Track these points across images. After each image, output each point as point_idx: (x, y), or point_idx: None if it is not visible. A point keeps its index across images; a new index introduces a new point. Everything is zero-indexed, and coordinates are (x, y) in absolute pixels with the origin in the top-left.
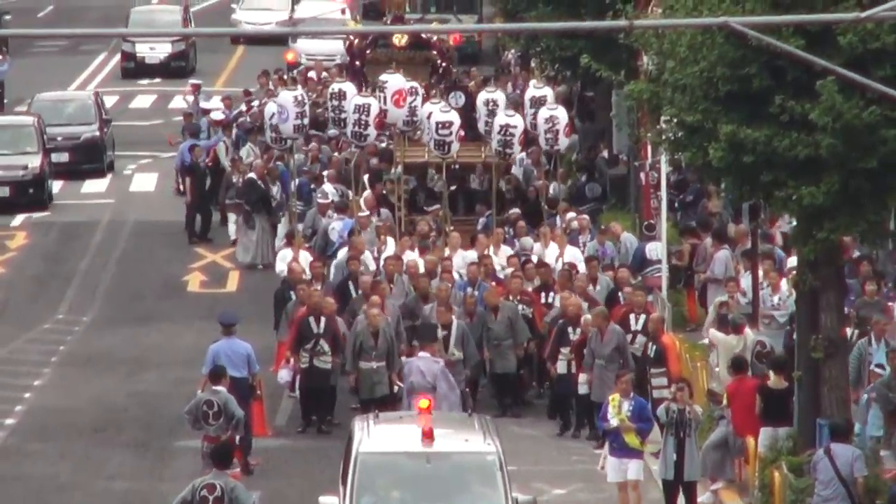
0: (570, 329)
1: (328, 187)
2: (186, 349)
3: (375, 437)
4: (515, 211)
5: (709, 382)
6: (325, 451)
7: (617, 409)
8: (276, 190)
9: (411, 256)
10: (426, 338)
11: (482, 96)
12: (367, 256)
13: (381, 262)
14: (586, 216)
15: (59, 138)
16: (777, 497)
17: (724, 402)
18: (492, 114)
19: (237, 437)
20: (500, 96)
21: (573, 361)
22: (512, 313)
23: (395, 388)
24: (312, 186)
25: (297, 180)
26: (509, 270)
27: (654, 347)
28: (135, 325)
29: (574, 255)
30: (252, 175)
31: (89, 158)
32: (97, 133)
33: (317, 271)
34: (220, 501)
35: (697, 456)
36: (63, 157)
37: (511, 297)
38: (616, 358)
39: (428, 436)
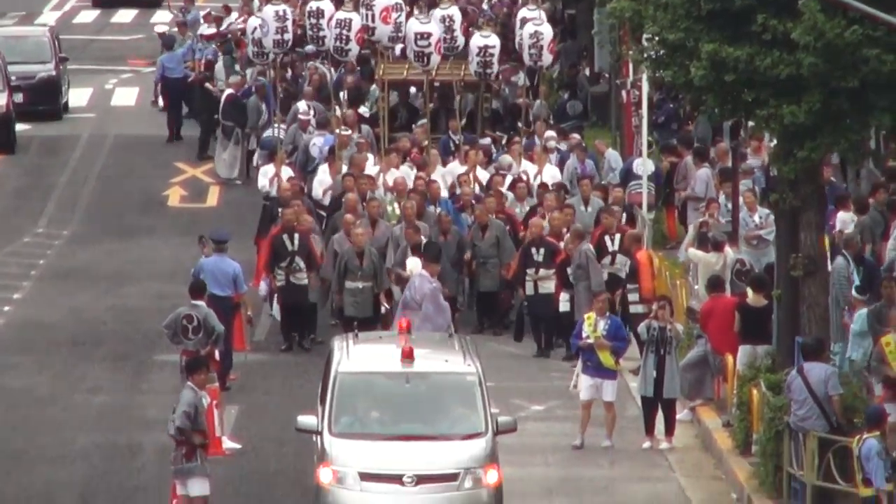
0: (534, 250)
1: (302, 105)
2: (166, 264)
3: (355, 356)
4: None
5: (688, 300)
6: (305, 368)
7: (592, 328)
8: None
9: (397, 174)
10: (427, 257)
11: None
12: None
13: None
14: (577, 134)
15: (14, 78)
16: (755, 415)
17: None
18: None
19: (216, 352)
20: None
21: (538, 283)
22: (500, 231)
23: (382, 308)
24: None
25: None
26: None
27: (629, 264)
28: (115, 239)
29: (553, 174)
30: (230, 91)
31: (45, 99)
32: (53, 73)
33: (295, 187)
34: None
35: (678, 374)
36: (18, 98)
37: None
38: (582, 276)
39: (407, 356)
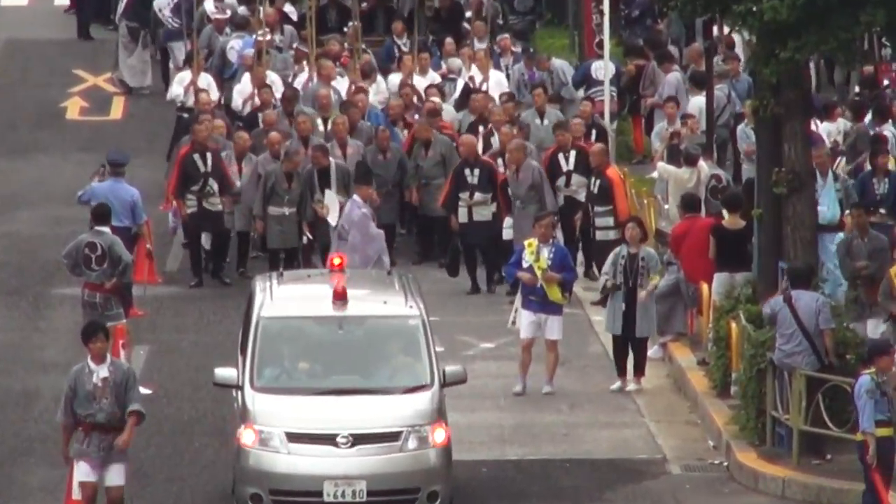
0: (468, 171)
1: (209, 3)
2: (65, 184)
3: (279, 299)
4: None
5: (658, 222)
6: (222, 302)
7: (535, 256)
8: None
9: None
10: (358, 179)
11: None
12: (276, 82)
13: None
14: (506, 35)
15: None
16: (734, 351)
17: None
18: None
19: (124, 285)
20: None
21: (473, 209)
22: (445, 149)
23: (304, 238)
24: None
25: None
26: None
27: (598, 182)
28: (6, 157)
29: (499, 80)
30: None
31: None
32: None
33: (202, 101)
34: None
35: (652, 308)
36: None
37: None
38: (533, 198)
39: (340, 297)
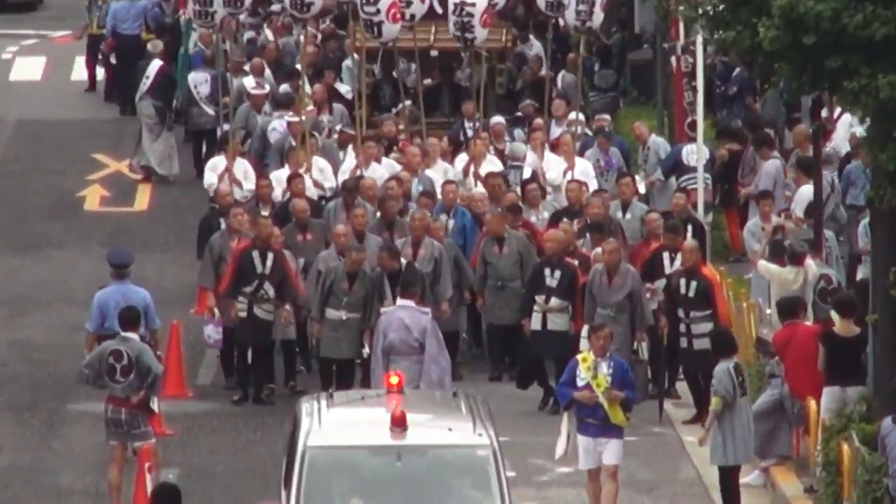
0: (547, 271)
1: (249, 80)
2: (83, 285)
3: (329, 425)
4: (499, 119)
5: (758, 329)
6: (263, 420)
7: (592, 373)
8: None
9: (378, 171)
10: (408, 283)
11: None
12: (327, 170)
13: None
14: (606, 116)
15: None
16: (846, 477)
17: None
18: None
19: (151, 399)
20: None
21: (548, 315)
22: (523, 247)
23: (364, 351)
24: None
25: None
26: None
27: (695, 284)
28: (17, 254)
29: (585, 170)
30: (159, 60)
31: None
32: None
33: (262, 191)
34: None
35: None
36: None
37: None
38: (627, 308)
39: (399, 423)
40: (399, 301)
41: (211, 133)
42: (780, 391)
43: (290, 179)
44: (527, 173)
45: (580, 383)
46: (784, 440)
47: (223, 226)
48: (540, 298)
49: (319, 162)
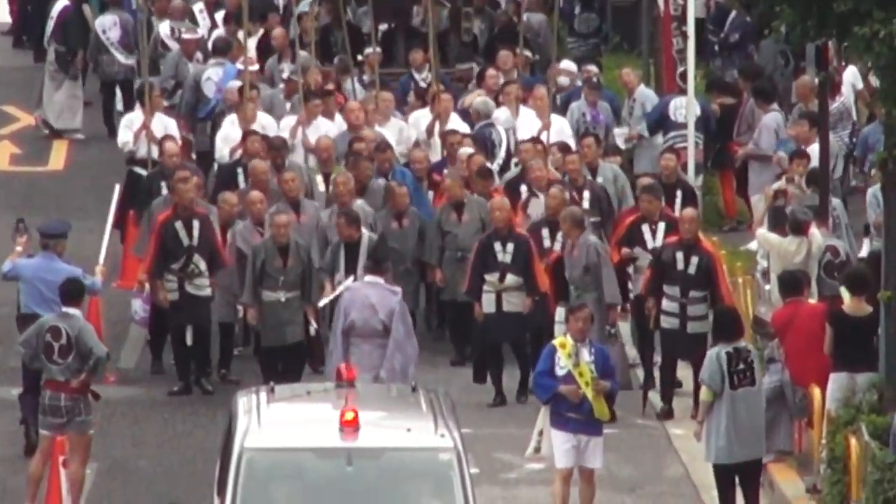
0: (498, 245)
1: (164, 26)
2: None
3: (269, 423)
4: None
5: (755, 307)
6: (194, 409)
7: (573, 360)
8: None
9: (325, 127)
10: (380, 258)
11: None
12: (270, 125)
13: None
14: (592, 66)
15: None
16: (854, 475)
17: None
18: None
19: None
20: None
21: (503, 295)
22: (485, 213)
23: (312, 329)
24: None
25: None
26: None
27: (696, 260)
28: None
29: (561, 128)
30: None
31: None
32: None
33: (185, 146)
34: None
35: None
36: None
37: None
38: (590, 284)
39: (350, 422)
40: (366, 277)
41: (127, 84)
42: (779, 378)
43: (245, 137)
44: (502, 135)
45: (560, 372)
46: (784, 433)
47: (164, 190)
48: (492, 277)
49: (263, 118)
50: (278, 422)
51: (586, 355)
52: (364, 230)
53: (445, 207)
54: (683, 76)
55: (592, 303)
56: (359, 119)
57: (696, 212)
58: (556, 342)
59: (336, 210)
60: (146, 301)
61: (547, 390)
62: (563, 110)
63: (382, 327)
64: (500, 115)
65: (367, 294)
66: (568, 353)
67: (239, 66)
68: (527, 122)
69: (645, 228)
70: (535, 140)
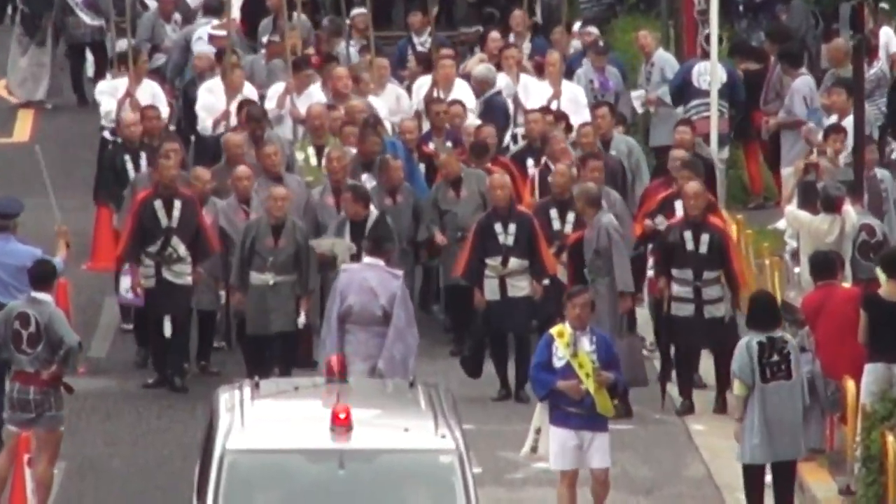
0: (499, 226)
1: None
2: None
3: (254, 422)
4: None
5: (784, 291)
6: (171, 403)
7: (572, 350)
8: None
9: (316, 96)
10: (381, 238)
11: None
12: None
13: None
14: (593, 28)
15: None
16: (891, 475)
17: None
18: None
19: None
20: None
21: (507, 280)
22: (483, 186)
23: (301, 321)
24: None
25: None
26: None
27: (708, 238)
28: None
29: (574, 96)
30: None
31: None
32: None
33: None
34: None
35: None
36: None
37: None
38: (601, 269)
39: (342, 421)
40: (365, 258)
41: (98, 48)
42: (810, 369)
43: (241, 106)
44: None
45: (558, 364)
46: (815, 430)
47: (129, 165)
48: (494, 261)
49: (245, 87)
50: (263, 421)
51: (586, 344)
52: (372, 208)
53: (441, 184)
54: (707, 39)
55: (606, 288)
56: (346, 87)
57: (701, 186)
58: (553, 331)
59: (329, 187)
60: (133, 277)
61: (544, 385)
62: (566, 78)
63: (382, 313)
64: (500, 81)
65: (366, 277)
66: (566, 343)
67: (212, 30)
68: (532, 90)
69: (678, 206)
70: (545, 109)
